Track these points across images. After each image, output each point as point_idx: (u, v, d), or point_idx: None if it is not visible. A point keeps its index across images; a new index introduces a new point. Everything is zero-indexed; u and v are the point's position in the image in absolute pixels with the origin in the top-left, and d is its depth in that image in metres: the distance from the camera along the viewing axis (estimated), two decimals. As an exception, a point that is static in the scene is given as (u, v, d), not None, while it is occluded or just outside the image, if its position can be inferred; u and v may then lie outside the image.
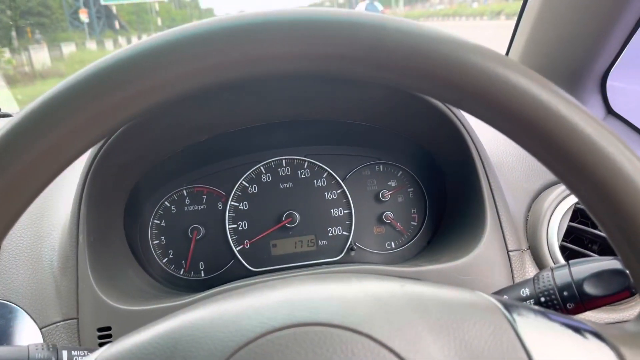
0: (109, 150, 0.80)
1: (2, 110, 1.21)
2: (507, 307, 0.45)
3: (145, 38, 0.41)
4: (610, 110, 1.26)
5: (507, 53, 1.36)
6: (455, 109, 0.85)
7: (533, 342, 0.39)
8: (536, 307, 0.51)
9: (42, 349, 0.59)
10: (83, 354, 0.62)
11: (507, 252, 0.84)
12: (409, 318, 0.42)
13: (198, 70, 0.39)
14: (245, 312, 0.43)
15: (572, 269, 0.62)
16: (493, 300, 0.47)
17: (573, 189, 0.40)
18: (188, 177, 1.02)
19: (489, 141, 0.91)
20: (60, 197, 0.89)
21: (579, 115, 0.38)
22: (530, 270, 0.84)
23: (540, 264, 0.85)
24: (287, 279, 0.51)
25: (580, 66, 1.18)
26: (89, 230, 0.82)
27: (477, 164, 0.87)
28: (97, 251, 0.83)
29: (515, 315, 0.43)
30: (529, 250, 0.86)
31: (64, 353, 0.60)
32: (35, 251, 0.84)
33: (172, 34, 0.40)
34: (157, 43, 0.39)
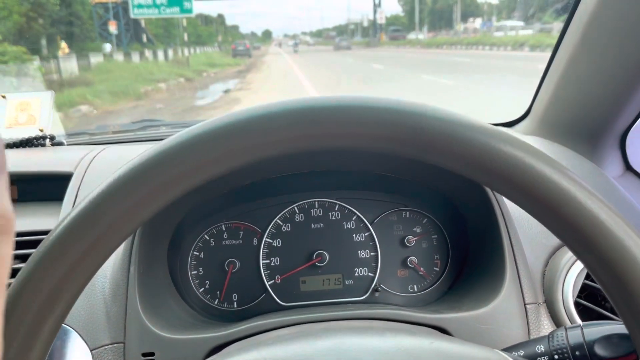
0: None
1: (56, 139, 1.31)
2: None
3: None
4: (628, 167, 1.32)
5: (529, 108, 1.42)
6: None
7: None
8: None
9: None
10: None
11: (524, 304, 0.90)
12: None
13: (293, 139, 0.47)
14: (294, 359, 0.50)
15: (585, 330, 0.68)
16: None
17: (581, 258, 0.47)
18: (227, 213, 1.09)
19: None
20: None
21: (592, 199, 0.44)
22: (546, 324, 0.90)
23: (555, 318, 0.90)
24: (331, 330, 0.58)
25: (601, 124, 1.24)
26: (139, 262, 0.89)
27: (499, 219, 0.93)
28: (145, 281, 0.91)
29: None
30: (544, 304, 0.92)
31: None
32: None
33: (277, 107, 0.48)
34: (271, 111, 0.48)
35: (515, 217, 0.97)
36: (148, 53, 26.74)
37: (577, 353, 0.66)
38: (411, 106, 0.48)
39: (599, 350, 0.65)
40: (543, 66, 1.34)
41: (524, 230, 0.98)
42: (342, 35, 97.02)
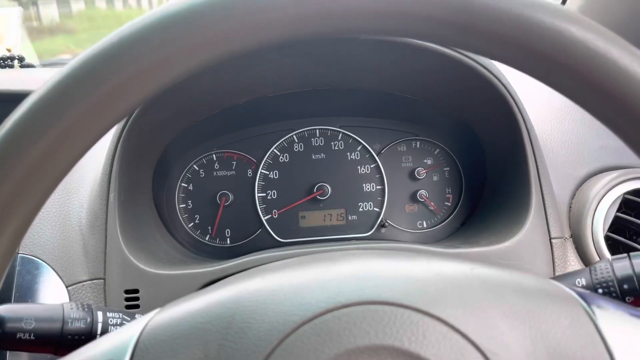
0: (147, 107, 0.76)
1: (25, 61, 1.17)
2: (585, 298, 0.42)
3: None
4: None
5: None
6: (507, 83, 0.81)
7: (614, 336, 0.37)
8: (615, 300, 0.48)
9: (77, 308, 0.57)
10: (118, 316, 0.60)
11: (550, 239, 0.81)
12: (483, 302, 0.39)
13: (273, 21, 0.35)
14: (309, 286, 0.40)
15: (634, 261, 0.59)
16: (568, 289, 0.44)
17: None
18: (219, 141, 0.99)
19: (534, 122, 0.87)
20: (91, 153, 0.86)
21: None
22: (572, 260, 0.81)
23: (582, 254, 0.82)
24: (349, 253, 0.48)
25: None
26: (120, 189, 0.79)
27: (525, 143, 0.83)
28: (127, 211, 0.80)
29: (594, 308, 0.41)
30: (571, 239, 0.84)
31: (99, 314, 0.58)
32: (64, 207, 0.81)
33: None
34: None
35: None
36: (131, 0, 25.86)
37: (625, 286, 0.58)
38: None
39: None
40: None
41: (547, 159, 0.88)
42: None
